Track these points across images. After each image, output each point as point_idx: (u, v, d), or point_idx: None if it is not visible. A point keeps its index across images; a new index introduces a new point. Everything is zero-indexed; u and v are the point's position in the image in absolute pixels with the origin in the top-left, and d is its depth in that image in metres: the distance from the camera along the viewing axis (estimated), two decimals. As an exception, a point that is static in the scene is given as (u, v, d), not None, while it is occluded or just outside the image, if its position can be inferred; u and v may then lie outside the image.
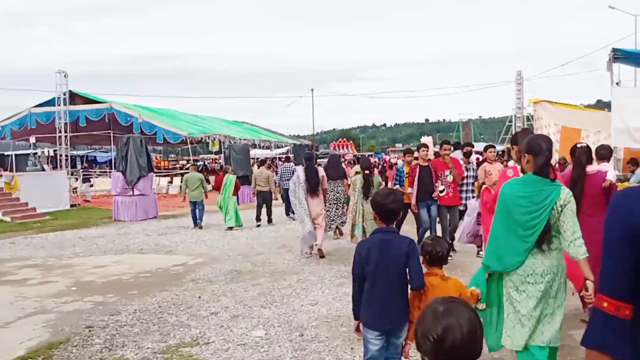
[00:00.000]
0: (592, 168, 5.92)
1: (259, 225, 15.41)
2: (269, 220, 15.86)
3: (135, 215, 17.84)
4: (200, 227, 15.32)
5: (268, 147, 40.35)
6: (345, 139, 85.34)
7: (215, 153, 39.68)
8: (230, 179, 15.22)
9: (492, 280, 4.10)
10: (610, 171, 6.18)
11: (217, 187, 16.20)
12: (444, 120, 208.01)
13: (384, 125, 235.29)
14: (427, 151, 9.91)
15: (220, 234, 13.94)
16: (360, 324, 3.86)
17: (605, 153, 6.60)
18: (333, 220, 11.71)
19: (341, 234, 12.49)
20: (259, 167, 17.85)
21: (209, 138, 29.02)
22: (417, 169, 9.66)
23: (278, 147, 42.14)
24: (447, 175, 9.61)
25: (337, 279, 8.36)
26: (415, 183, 9.56)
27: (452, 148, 10.14)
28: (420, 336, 1.75)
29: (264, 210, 15.82)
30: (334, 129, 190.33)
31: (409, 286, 3.75)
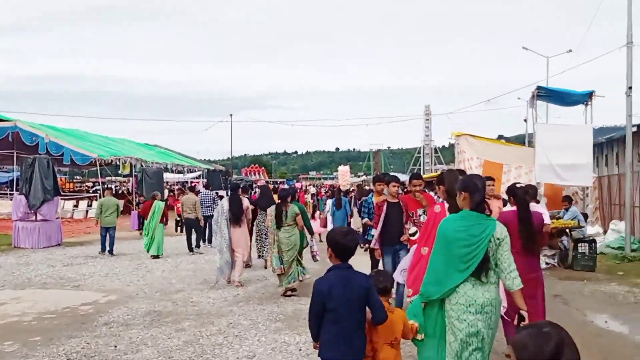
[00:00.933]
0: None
1: (192, 251, 15.10)
2: (197, 246, 15.45)
3: (37, 243, 16.36)
4: (111, 254, 14.71)
5: (181, 172, 39.27)
6: (257, 165, 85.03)
7: (125, 176, 37.95)
8: (158, 205, 14.66)
9: (431, 312, 4.14)
10: (545, 213, 6.40)
11: (143, 213, 15.59)
12: (354, 149, 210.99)
13: (296, 152, 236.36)
14: (398, 186, 8.23)
15: (133, 266, 12.83)
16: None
17: (533, 193, 6.74)
18: (265, 248, 11.56)
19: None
20: (185, 193, 17.26)
21: (119, 160, 27.64)
22: (385, 207, 7.98)
23: (191, 172, 41.17)
24: (420, 216, 7.80)
25: (272, 323, 7.54)
26: (380, 223, 7.91)
27: (423, 183, 8.27)
28: (533, 357, 1.87)
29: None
30: (245, 155, 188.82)
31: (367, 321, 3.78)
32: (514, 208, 5.98)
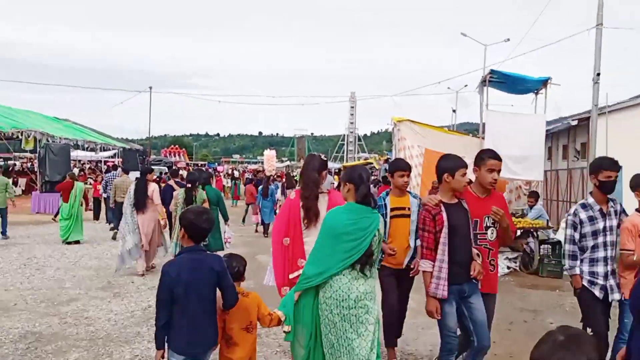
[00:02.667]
0: None
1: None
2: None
3: None
4: (5, 236, 13.44)
5: (93, 150, 36.42)
6: (177, 146, 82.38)
7: (31, 152, 34.68)
8: (80, 187, 13.47)
9: (305, 303, 4.05)
10: None
11: (61, 191, 13.77)
12: (277, 134, 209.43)
13: (218, 135, 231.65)
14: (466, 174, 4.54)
15: (21, 260, 10.59)
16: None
17: None
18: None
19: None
20: (119, 175, 15.36)
21: (22, 134, 24.72)
22: (443, 211, 4.37)
23: (105, 150, 38.33)
24: (487, 229, 4.63)
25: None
26: (444, 247, 4.33)
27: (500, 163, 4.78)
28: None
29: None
30: (165, 135, 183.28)
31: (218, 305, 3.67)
32: None
